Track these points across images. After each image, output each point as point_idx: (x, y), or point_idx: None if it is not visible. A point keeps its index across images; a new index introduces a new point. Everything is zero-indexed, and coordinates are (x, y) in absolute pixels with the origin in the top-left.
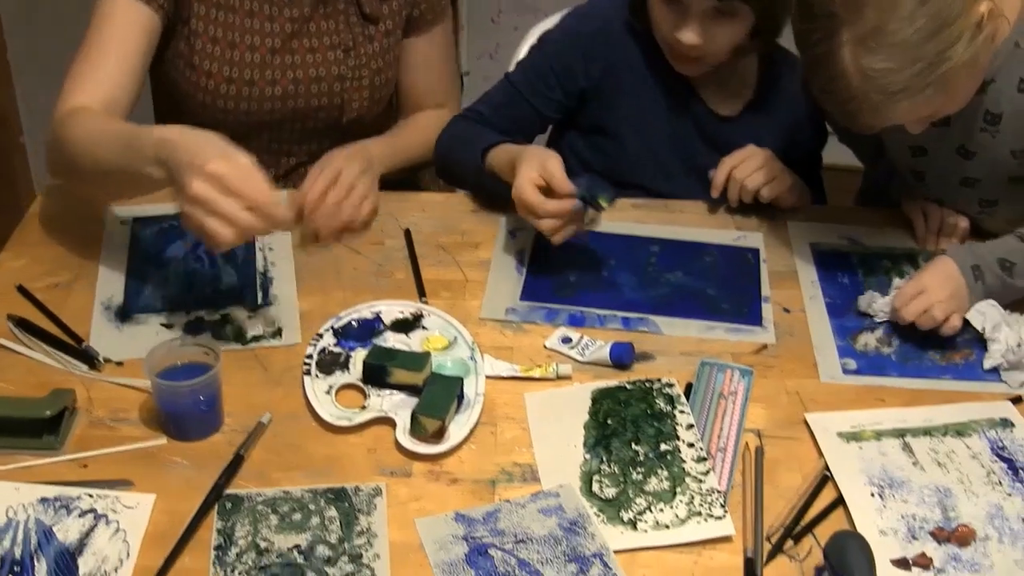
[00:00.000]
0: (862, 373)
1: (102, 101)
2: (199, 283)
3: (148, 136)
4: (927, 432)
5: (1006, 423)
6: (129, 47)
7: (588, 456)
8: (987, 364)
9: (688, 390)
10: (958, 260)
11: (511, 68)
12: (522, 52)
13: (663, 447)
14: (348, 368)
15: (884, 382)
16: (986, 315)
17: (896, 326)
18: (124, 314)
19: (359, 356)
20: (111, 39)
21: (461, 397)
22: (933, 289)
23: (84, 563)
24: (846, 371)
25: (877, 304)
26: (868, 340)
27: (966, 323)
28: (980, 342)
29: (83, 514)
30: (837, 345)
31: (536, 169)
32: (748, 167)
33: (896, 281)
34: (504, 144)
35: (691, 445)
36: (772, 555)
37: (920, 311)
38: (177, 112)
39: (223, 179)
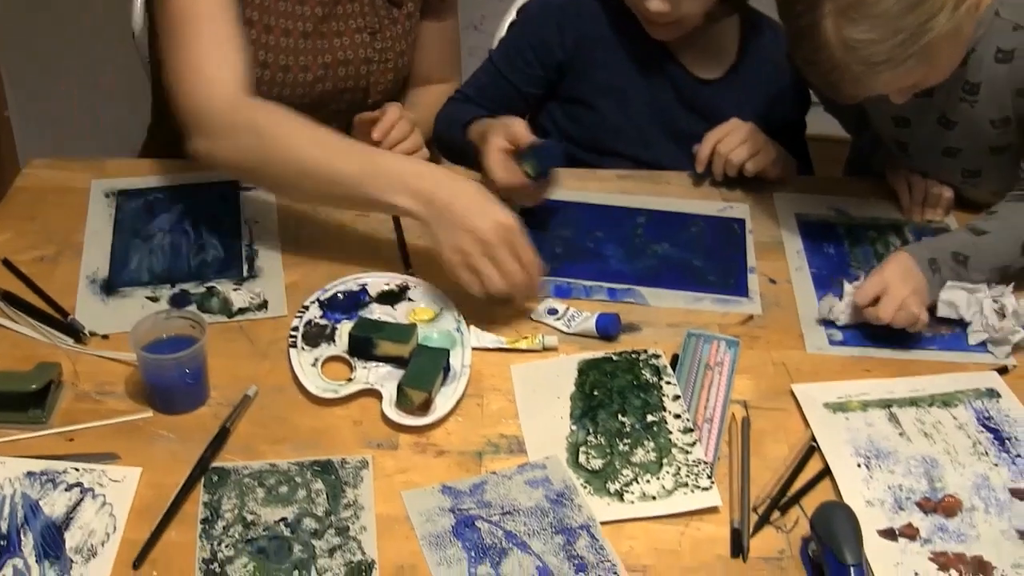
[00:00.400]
0: (848, 344)
1: (241, 80)
2: (184, 256)
3: (392, 163)
4: (913, 403)
5: (992, 393)
6: (232, 19)
7: (574, 427)
8: (973, 340)
9: (674, 361)
10: (914, 255)
11: (495, 44)
12: (504, 27)
13: (649, 418)
14: (334, 340)
15: (870, 353)
16: (954, 302)
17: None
18: (109, 287)
19: (345, 328)
20: (215, 14)
21: (447, 369)
22: (895, 285)
23: (71, 537)
24: (832, 342)
25: (837, 308)
26: (822, 307)
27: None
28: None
29: (69, 488)
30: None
31: (502, 135)
32: (732, 141)
33: (847, 287)
34: (481, 118)
35: (677, 416)
36: (759, 526)
37: (895, 309)
38: None
39: (510, 233)
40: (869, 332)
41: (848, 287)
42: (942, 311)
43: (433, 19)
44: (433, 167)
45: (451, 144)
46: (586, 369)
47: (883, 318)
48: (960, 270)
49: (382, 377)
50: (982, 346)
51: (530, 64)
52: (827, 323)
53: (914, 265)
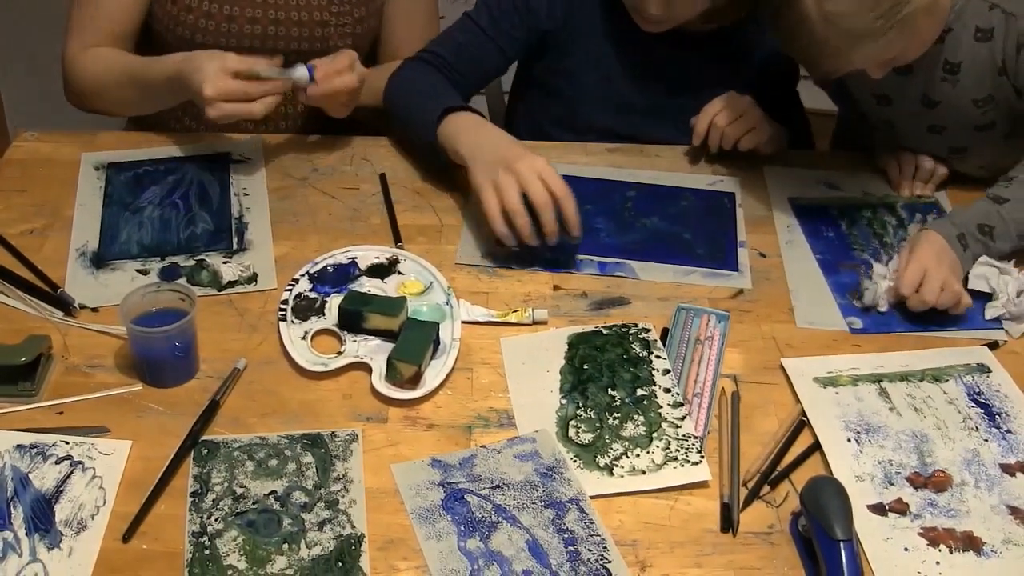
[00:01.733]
0: (871, 331)
1: (107, 38)
2: (174, 228)
3: (161, 70)
4: (904, 377)
5: (983, 368)
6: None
7: (564, 401)
8: (989, 314)
9: (664, 335)
10: (943, 233)
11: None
12: None
13: (639, 392)
14: (324, 313)
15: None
16: (985, 276)
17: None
18: (99, 260)
19: (335, 301)
20: None
21: (437, 342)
22: (933, 267)
23: (61, 510)
24: (854, 330)
25: (879, 294)
26: (867, 296)
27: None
28: (981, 292)
29: (59, 461)
30: (838, 304)
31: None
32: (728, 115)
33: (878, 268)
34: (468, 114)
35: (667, 390)
36: (748, 500)
37: (939, 292)
38: (152, 45)
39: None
40: (892, 314)
41: (880, 268)
42: (974, 284)
43: None
44: (182, 58)
45: (406, 119)
46: (576, 343)
47: (929, 301)
48: (987, 242)
49: (372, 350)
50: (996, 322)
51: (516, 27)
52: (847, 310)
53: (944, 244)
